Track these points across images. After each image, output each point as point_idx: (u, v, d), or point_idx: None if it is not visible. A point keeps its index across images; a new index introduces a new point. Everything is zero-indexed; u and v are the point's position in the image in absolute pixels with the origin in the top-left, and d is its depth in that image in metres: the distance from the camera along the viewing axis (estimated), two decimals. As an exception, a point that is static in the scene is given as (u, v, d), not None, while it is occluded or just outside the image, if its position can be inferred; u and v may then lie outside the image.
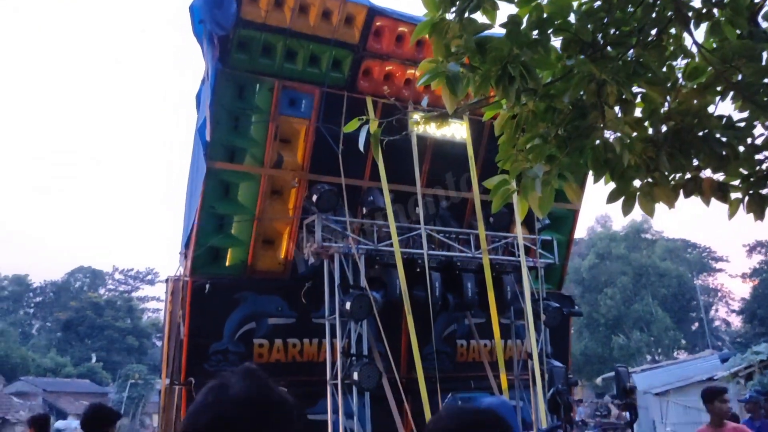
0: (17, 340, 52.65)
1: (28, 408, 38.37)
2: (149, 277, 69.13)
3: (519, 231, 8.67)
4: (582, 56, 2.60)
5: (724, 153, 2.79)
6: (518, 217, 8.57)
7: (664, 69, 2.81)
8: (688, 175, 2.98)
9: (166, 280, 8.41)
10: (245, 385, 1.21)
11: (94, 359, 54.80)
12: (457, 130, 8.24)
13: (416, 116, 3.73)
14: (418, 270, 8.01)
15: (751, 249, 39.43)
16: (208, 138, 7.68)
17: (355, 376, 7.30)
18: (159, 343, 45.93)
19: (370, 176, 8.43)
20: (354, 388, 7.39)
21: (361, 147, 3.43)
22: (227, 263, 8.25)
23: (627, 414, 5.42)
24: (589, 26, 2.62)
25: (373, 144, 3.40)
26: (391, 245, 7.67)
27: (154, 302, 66.33)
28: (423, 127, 3.71)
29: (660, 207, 3.02)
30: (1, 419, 33.32)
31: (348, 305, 7.40)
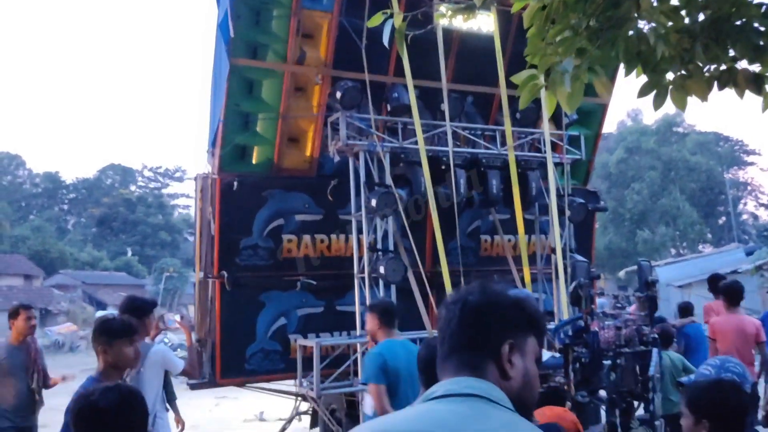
0: (54, 235, 54.48)
1: (69, 300, 40.31)
2: (178, 174, 70.32)
3: (546, 127, 8.54)
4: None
5: (761, 43, 2.69)
6: (546, 113, 8.41)
7: (704, -46, 2.67)
8: (723, 67, 2.89)
9: (195, 178, 8.54)
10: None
11: (129, 253, 56.78)
12: (485, 23, 7.95)
13: (442, 8, 3.61)
14: (443, 167, 8.01)
15: (785, 142, 38.39)
16: (231, 34, 7.55)
17: (382, 270, 7.49)
18: (191, 238, 47.24)
19: (395, 72, 8.28)
20: (380, 282, 7.60)
21: (385, 42, 3.36)
22: (254, 161, 8.31)
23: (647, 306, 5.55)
24: None
25: (397, 39, 3.33)
26: (416, 142, 7.63)
27: (184, 199, 67.85)
28: (449, 20, 3.59)
29: (693, 100, 2.95)
30: (44, 310, 35.10)
31: (373, 202, 7.48)
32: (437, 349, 1.48)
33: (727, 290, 6.57)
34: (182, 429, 6.24)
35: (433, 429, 1.26)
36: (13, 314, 6.02)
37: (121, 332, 3.40)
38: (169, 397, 5.97)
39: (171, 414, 5.88)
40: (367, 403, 4.88)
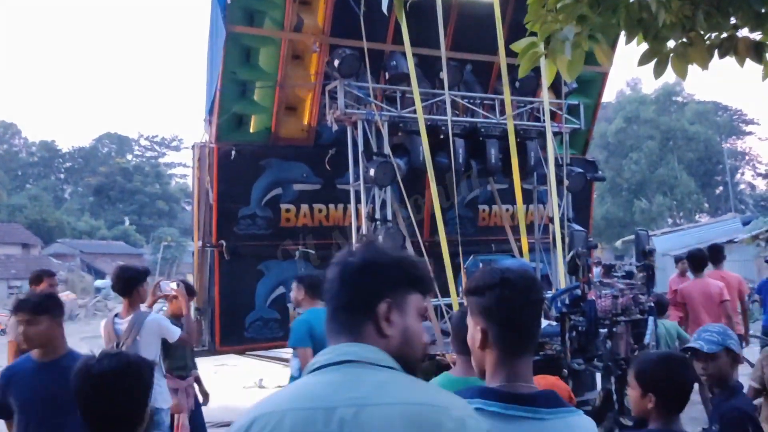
0: (51, 204, 54.35)
1: (67, 269, 40.41)
2: (174, 143, 69.93)
3: (545, 96, 8.49)
4: None
5: (762, 11, 2.67)
6: (545, 81, 8.36)
7: None
8: (724, 35, 2.87)
9: (192, 147, 8.50)
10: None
11: (127, 223, 56.75)
12: (484, -11, 7.86)
13: (442, -25, 3.57)
14: (442, 137, 7.98)
15: (785, 112, 38.19)
16: (228, 0, 7.45)
17: (380, 239, 7.51)
18: (188, 208, 47.21)
19: (393, 40, 8.20)
20: (378, 251, 7.62)
21: (384, 9, 3.33)
22: (251, 130, 8.28)
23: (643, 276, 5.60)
24: None
25: (396, 6, 3.30)
26: (415, 111, 7.59)
27: (181, 168, 67.57)
28: (448, -14, 3.55)
29: (693, 69, 2.93)
30: (44, 279, 35.08)
31: (372, 172, 7.47)
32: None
33: (690, 257, 6.84)
34: (206, 401, 6.24)
35: (306, 404, 1.32)
36: (36, 280, 6.03)
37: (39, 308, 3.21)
38: (190, 368, 5.94)
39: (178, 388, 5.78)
40: (294, 365, 5.33)
